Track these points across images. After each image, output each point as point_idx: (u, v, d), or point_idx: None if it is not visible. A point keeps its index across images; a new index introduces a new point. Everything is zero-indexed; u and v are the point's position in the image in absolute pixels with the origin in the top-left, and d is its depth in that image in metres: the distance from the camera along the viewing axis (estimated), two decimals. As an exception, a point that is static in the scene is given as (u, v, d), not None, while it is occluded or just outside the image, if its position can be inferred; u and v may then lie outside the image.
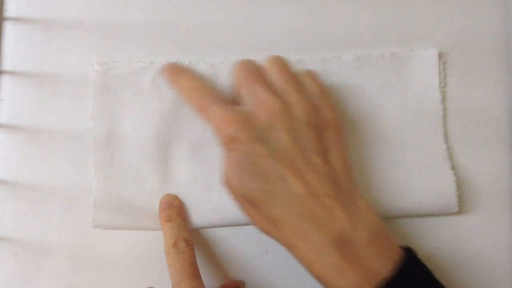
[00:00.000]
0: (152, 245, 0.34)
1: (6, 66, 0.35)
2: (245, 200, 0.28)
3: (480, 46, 0.37)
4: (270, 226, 0.28)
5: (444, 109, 0.36)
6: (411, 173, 0.34)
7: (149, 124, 0.34)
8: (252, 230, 0.35)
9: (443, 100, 0.36)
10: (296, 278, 0.35)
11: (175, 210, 0.33)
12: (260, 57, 0.35)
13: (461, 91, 0.36)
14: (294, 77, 0.31)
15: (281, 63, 0.32)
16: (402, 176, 0.34)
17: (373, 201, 0.34)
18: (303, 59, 0.35)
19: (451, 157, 0.35)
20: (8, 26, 0.35)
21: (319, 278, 0.27)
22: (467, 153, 0.36)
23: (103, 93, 0.34)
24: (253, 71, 0.31)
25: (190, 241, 0.32)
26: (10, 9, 0.36)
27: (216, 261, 0.35)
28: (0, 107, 0.35)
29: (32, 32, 0.35)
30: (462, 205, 0.35)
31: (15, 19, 0.35)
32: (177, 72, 0.33)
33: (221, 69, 0.35)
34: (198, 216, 0.34)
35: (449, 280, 0.35)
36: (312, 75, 0.32)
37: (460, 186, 0.35)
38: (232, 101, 0.32)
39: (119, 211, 0.34)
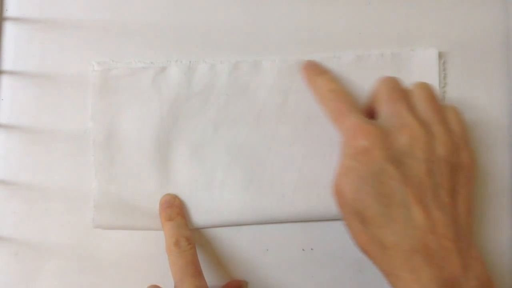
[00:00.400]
0: (152, 245, 0.34)
1: (6, 66, 0.35)
2: (355, 215, 0.28)
3: (480, 46, 0.37)
4: (375, 249, 0.27)
5: None
6: None
7: (149, 124, 0.34)
8: (252, 230, 0.35)
9: (443, 100, 0.36)
10: (296, 278, 0.35)
11: (176, 209, 0.33)
12: (260, 57, 0.35)
13: (461, 91, 0.36)
14: (439, 108, 0.30)
15: (429, 91, 0.30)
16: None
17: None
18: (303, 59, 0.35)
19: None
20: (8, 26, 0.35)
21: None
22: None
23: (103, 93, 0.34)
24: (398, 90, 0.30)
25: (192, 240, 0.32)
26: (10, 9, 0.36)
27: (216, 260, 0.35)
28: (0, 107, 0.35)
29: (32, 32, 0.35)
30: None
31: (15, 19, 0.35)
32: (317, 72, 0.33)
33: (221, 69, 0.35)
34: (198, 216, 0.34)
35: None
36: (455, 111, 0.31)
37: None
38: (366, 113, 0.31)
39: (119, 211, 0.34)
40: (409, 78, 0.35)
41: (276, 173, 0.34)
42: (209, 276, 0.34)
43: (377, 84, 0.31)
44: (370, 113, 0.31)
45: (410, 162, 0.27)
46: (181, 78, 0.35)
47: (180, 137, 0.34)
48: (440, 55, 0.36)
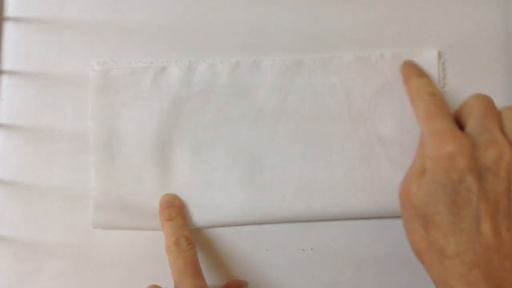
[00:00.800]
0: (152, 245, 0.34)
1: (6, 66, 0.35)
2: (420, 219, 0.28)
3: (480, 46, 0.37)
4: (433, 256, 0.27)
5: None
6: None
7: (149, 124, 0.34)
8: (252, 230, 0.35)
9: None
10: (296, 278, 0.35)
11: (176, 209, 0.33)
12: (260, 57, 0.35)
13: (461, 91, 0.36)
14: None
15: None
16: (401, 176, 0.34)
17: (372, 201, 0.34)
18: (303, 59, 0.35)
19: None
20: (8, 26, 0.35)
21: None
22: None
23: (103, 93, 0.34)
24: (492, 108, 0.30)
25: (192, 240, 0.32)
26: (10, 9, 0.36)
27: (216, 260, 0.35)
28: (0, 108, 0.35)
29: (32, 32, 0.35)
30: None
31: (15, 19, 0.35)
32: (417, 73, 0.33)
33: (221, 69, 0.35)
34: (198, 216, 0.34)
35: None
36: None
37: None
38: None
39: (119, 211, 0.34)
40: None
41: (276, 173, 0.34)
42: (209, 276, 0.34)
43: (470, 99, 0.31)
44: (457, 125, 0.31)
45: (492, 179, 0.27)
46: (181, 78, 0.35)
47: (180, 137, 0.34)
48: (440, 55, 0.36)
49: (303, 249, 0.35)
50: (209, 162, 0.34)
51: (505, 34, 0.37)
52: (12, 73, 0.35)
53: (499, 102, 0.36)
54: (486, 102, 0.30)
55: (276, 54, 0.36)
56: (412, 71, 0.34)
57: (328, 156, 0.34)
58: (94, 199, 0.34)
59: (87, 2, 0.36)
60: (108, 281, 0.35)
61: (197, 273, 0.30)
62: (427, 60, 0.35)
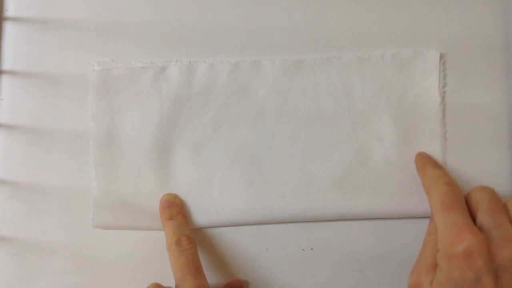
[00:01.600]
0: (152, 245, 0.34)
1: (6, 66, 0.35)
2: None
3: (480, 46, 0.36)
4: None
5: (444, 109, 0.36)
6: (408, 174, 0.34)
7: (149, 124, 0.34)
8: (252, 229, 0.35)
9: (443, 100, 0.36)
10: (296, 278, 0.35)
11: (176, 208, 0.33)
12: (260, 57, 0.35)
13: (461, 91, 0.36)
14: None
15: None
16: (398, 176, 0.34)
17: (370, 202, 0.34)
18: (303, 59, 0.35)
19: (451, 157, 0.35)
20: (8, 26, 0.35)
21: None
22: (467, 153, 0.36)
23: (103, 93, 0.34)
24: (499, 201, 0.29)
25: (193, 239, 0.32)
26: (10, 9, 0.36)
27: (217, 260, 0.35)
28: (0, 108, 0.35)
29: (32, 32, 0.35)
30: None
31: (15, 19, 0.35)
32: (433, 164, 0.33)
33: (221, 69, 0.35)
34: (198, 216, 0.34)
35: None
36: None
37: (460, 186, 0.35)
38: None
39: (119, 211, 0.34)
40: (409, 79, 0.35)
41: (276, 173, 0.34)
42: (210, 276, 0.34)
43: (475, 192, 0.30)
44: None
45: (508, 277, 0.26)
46: (181, 78, 0.35)
47: (180, 137, 0.34)
48: (440, 55, 0.36)
49: (303, 249, 0.35)
50: (209, 162, 0.34)
51: (505, 34, 0.37)
52: (12, 73, 0.35)
53: (500, 101, 0.36)
54: (492, 195, 0.30)
55: (276, 54, 0.36)
56: (428, 161, 0.33)
57: (328, 156, 0.34)
58: (94, 199, 0.34)
59: (87, 3, 0.36)
60: (108, 280, 0.35)
61: (198, 272, 0.30)
62: (428, 61, 0.35)
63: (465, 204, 0.29)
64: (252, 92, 0.35)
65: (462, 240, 0.26)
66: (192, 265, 0.31)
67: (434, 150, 0.35)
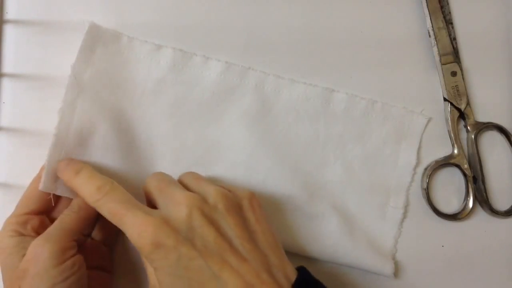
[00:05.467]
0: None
1: (7, 69, 0.35)
2: None
3: (481, 46, 0.37)
4: None
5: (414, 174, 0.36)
6: (357, 222, 0.35)
7: (129, 96, 0.34)
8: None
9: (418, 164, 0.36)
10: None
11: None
12: (260, 57, 0.35)
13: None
14: (204, 178, 0.31)
15: (193, 173, 0.31)
16: (349, 224, 0.34)
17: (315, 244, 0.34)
18: (297, 82, 0.35)
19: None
20: (8, 29, 0.35)
21: None
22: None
23: (92, 48, 0.33)
24: (165, 179, 0.30)
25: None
26: (11, 12, 0.35)
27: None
28: (1, 110, 0.35)
29: (33, 35, 0.35)
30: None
31: (15, 22, 0.35)
32: (75, 171, 0.30)
33: (215, 65, 0.35)
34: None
35: (452, 277, 0.35)
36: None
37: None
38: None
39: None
40: (391, 135, 0.36)
41: (241, 176, 0.34)
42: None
43: (146, 181, 0.30)
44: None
45: (200, 231, 0.26)
46: (174, 61, 0.34)
47: (155, 117, 0.34)
48: (429, 121, 0.36)
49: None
50: (183, 155, 0.34)
51: (505, 34, 0.37)
52: (13, 76, 0.35)
53: (500, 101, 0.37)
54: (156, 176, 0.30)
55: (276, 54, 0.36)
56: (69, 173, 0.30)
57: (290, 183, 0.34)
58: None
59: (87, 5, 0.36)
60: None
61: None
62: (415, 124, 0.36)
63: (129, 198, 0.28)
64: (238, 97, 0.35)
65: (144, 238, 0.25)
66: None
67: (389, 216, 0.35)
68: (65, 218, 0.30)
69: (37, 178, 0.32)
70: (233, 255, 0.26)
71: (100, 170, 0.33)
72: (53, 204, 0.31)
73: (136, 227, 0.26)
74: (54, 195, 0.31)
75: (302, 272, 0.28)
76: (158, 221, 0.26)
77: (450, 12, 0.37)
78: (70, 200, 0.31)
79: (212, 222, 0.27)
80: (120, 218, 0.27)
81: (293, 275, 0.27)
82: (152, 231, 0.25)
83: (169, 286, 0.26)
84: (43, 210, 0.31)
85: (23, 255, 0.28)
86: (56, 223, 0.29)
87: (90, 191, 0.28)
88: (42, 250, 0.27)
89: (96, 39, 0.34)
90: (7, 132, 0.35)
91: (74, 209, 0.30)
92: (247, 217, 0.28)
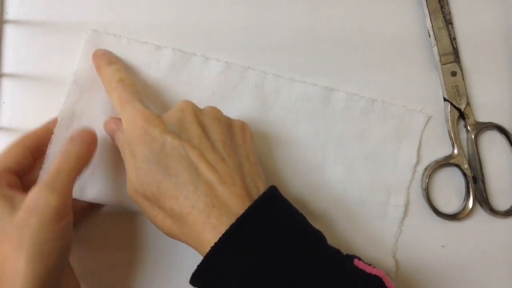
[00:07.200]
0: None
1: (7, 69, 0.35)
2: (153, 200, 0.27)
3: (481, 46, 0.37)
4: (180, 227, 0.27)
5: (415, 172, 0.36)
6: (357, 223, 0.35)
7: None
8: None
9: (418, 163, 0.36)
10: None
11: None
12: (260, 57, 0.35)
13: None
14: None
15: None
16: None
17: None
18: (297, 81, 0.35)
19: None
20: (8, 29, 0.35)
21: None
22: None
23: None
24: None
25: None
26: (11, 12, 0.36)
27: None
28: (1, 110, 0.35)
29: (33, 35, 0.35)
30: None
31: (15, 22, 0.35)
32: (106, 62, 0.33)
33: (215, 66, 0.35)
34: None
35: (453, 277, 0.35)
36: None
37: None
38: None
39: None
40: (391, 133, 0.35)
41: None
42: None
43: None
44: None
45: (188, 127, 0.28)
46: (173, 61, 0.35)
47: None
48: (428, 120, 0.36)
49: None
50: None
51: (506, 34, 0.37)
52: (13, 75, 0.35)
53: (500, 101, 0.37)
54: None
55: (276, 54, 0.36)
56: (101, 61, 0.33)
57: (290, 182, 0.34)
58: None
59: (87, 5, 0.36)
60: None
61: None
62: (415, 122, 0.36)
63: (136, 92, 0.31)
64: (237, 97, 0.35)
65: (138, 122, 0.28)
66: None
67: (390, 213, 0.35)
68: (64, 167, 0.29)
69: (20, 138, 0.32)
70: (212, 153, 0.28)
71: (100, 170, 0.33)
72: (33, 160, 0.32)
73: (132, 115, 0.29)
74: (34, 153, 0.32)
75: (272, 188, 0.28)
76: (151, 113, 0.29)
77: (450, 12, 0.37)
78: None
79: (201, 124, 0.29)
80: (123, 105, 0.30)
81: (263, 188, 0.28)
82: (144, 118, 0.28)
83: (146, 171, 0.27)
84: (18, 172, 0.31)
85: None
86: (54, 173, 0.29)
87: (113, 79, 0.32)
88: (46, 201, 0.27)
89: (97, 46, 0.34)
90: (7, 132, 0.35)
91: (72, 157, 0.29)
92: (235, 134, 0.30)
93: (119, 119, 0.31)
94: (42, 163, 0.32)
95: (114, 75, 0.32)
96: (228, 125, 0.30)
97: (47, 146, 0.32)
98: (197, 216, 0.26)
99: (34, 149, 0.32)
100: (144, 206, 0.28)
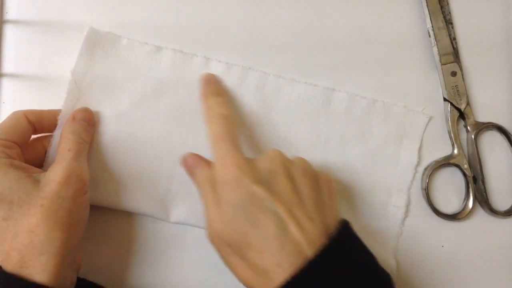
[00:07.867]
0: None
1: (7, 69, 0.35)
2: (235, 249, 0.27)
3: (480, 46, 0.37)
4: (261, 280, 0.27)
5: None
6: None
7: (128, 99, 0.34)
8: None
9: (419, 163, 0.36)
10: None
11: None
12: (261, 58, 0.35)
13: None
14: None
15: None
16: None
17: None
18: (297, 82, 0.35)
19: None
20: (8, 29, 0.35)
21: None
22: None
23: (92, 51, 0.34)
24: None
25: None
26: (11, 12, 0.36)
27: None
28: (1, 110, 0.35)
29: (33, 35, 0.35)
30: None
31: (15, 22, 0.35)
32: (213, 91, 0.33)
33: (216, 67, 0.35)
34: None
35: (453, 277, 0.35)
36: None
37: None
38: None
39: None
40: (392, 133, 0.35)
41: None
42: (211, 275, 0.34)
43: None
44: None
45: (277, 180, 0.28)
46: (173, 62, 0.35)
47: (157, 122, 0.34)
48: (429, 120, 0.36)
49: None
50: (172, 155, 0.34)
51: (506, 34, 0.37)
52: (13, 75, 0.35)
53: (500, 101, 0.37)
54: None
55: (277, 53, 0.36)
56: (208, 89, 0.34)
57: None
58: None
59: (87, 5, 0.36)
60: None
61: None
62: (416, 123, 0.36)
63: (234, 132, 0.31)
64: (239, 97, 0.35)
65: (229, 167, 0.28)
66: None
67: (389, 214, 0.35)
68: (82, 146, 0.31)
69: (26, 112, 0.32)
70: (301, 212, 0.27)
71: (101, 170, 0.33)
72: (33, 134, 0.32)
73: (224, 156, 0.29)
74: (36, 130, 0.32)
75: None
76: (243, 159, 0.29)
77: (450, 12, 0.37)
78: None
79: (290, 177, 0.28)
80: (218, 142, 0.30)
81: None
82: (236, 163, 0.28)
83: (233, 217, 0.27)
84: (20, 144, 0.31)
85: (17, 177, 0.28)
86: (78, 149, 0.30)
87: (215, 112, 0.32)
88: (79, 173, 0.29)
89: (95, 43, 0.34)
90: (7, 132, 0.35)
91: (86, 140, 0.32)
92: (322, 190, 0.29)
93: (201, 157, 0.31)
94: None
95: (219, 108, 0.32)
96: (316, 179, 0.30)
97: (47, 126, 0.32)
98: (281, 274, 0.26)
99: (38, 126, 0.32)
100: (223, 252, 0.28)
